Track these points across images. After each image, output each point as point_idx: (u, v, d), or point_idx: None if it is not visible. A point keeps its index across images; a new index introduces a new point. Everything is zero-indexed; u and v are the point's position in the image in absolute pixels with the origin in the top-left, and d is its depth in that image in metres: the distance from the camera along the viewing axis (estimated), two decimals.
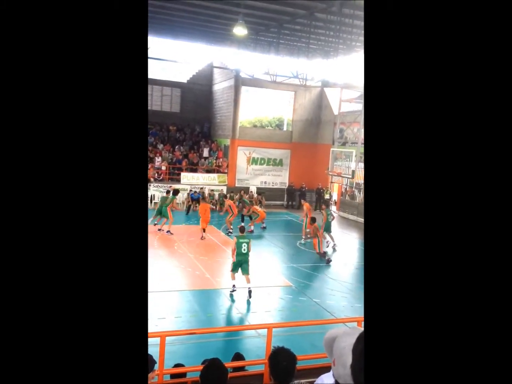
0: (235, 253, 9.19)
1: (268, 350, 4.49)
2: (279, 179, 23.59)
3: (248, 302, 8.85)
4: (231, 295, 9.11)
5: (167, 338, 4.39)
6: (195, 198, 19.88)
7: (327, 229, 13.88)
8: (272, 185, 23.42)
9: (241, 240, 9.24)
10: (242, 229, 9.76)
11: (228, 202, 16.06)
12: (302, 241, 14.38)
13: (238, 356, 4.68)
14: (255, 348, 6.44)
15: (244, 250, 9.17)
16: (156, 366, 3.75)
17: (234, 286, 9.17)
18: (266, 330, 5.11)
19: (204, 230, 14.23)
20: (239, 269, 9.23)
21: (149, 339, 5.15)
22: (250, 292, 9.01)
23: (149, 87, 25.36)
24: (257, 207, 17.07)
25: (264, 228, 16.27)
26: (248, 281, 9.15)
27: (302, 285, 10.22)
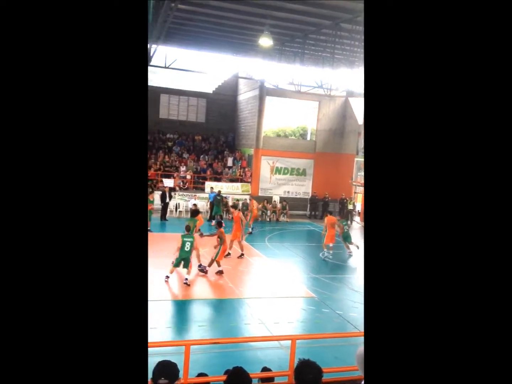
0: (179, 250, 10.12)
1: (292, 362, 4.48)
2: (303, 188, 23.52)
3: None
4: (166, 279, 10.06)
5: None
6: (212, 199, 19.28)
7: (346, 239, 14.44)
8: (295, 195, 23.37)
9: (185, 239, 10.22)
10: (187, 228, 10.61)
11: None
12: (321, 255, 14.17)
13: (266, 371, 4.65)
14: (277, 359, 6.41)
15: (187, 248, 10.15)
16: (181, 375, 3.77)
17: (168, 277, 10.10)
18: (288, 341, 5.09)
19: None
20: (181, 265, 10.20)
21: (174, 348, 5.20)
22: (187, 281, 10.06)
23: (176, 97, 25.82)
24: (254, 203, 17.75)
25: (250, 233, 16.25)
26: (188, 273, 10.19)
27: (324, 296, 10.12)
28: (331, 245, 13.85)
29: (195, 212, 13.35)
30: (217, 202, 18.74)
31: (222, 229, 11.40)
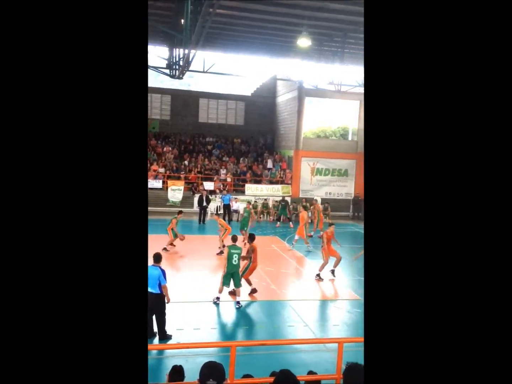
0: (226, 264, 8.90)
1: (339, 365, 4.38)
2: (345, 189, 23.16)
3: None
4: (217, 304, 8.87)
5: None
6: (226, 203, 19.56)
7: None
8: (337, 196, 23.05)
9: (232, 251, 8.99)
10: (234, 239, 9.37)
11: (219, 220, 14.08)
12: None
13: (312, 374, 4.58)
14: (324, 362, 6.29)
15: (235, 261, 8.93)
16: (227, 376, 3.76)
17: (218, 298, 8.91)
18: (334, 344, 4.99)
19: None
20: (231, 282, 8.95)
21: (220, 348, 5.18)
22: (239, 305, 8.85)
23: (215, 101, 26.16)
24: (318, 206, 17.45)
25: (311, 236, 15.46)
26: (239, 294, 8.92)
27: None
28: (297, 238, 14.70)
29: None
30: (283, 206, 19.96)
31: (254, 244, 9.85)
